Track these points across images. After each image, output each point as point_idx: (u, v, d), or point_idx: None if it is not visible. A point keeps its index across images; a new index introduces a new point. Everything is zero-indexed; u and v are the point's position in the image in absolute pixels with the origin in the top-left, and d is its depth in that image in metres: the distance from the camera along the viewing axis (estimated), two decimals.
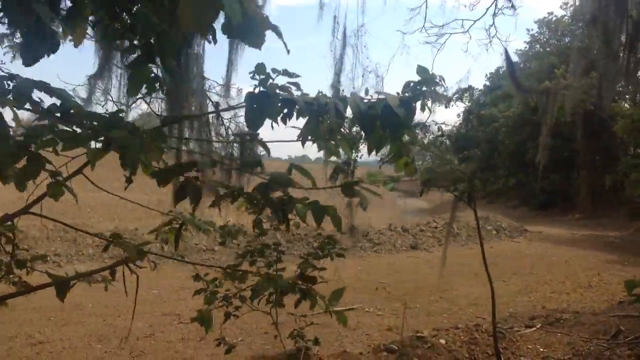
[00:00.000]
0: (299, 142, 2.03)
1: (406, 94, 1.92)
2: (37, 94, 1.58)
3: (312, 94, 1.89)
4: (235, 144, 3.74)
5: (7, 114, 1.57)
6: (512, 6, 9.04)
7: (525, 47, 38.75)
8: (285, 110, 1.77)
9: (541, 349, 5.53)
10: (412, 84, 1.92)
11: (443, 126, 39.02)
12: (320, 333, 7.44)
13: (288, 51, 1.53)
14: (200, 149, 3.57)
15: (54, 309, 7.99)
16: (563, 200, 29.29)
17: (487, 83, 41.96)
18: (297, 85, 1.83)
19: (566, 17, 32.81)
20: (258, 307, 3.61)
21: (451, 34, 9.13)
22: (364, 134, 1.85)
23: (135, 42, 1.75)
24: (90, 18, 1.88)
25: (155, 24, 1.55)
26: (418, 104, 1.90)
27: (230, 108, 3.07)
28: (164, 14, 1.56)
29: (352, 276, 11.36)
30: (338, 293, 2.87)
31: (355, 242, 12.74)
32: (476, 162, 37.67)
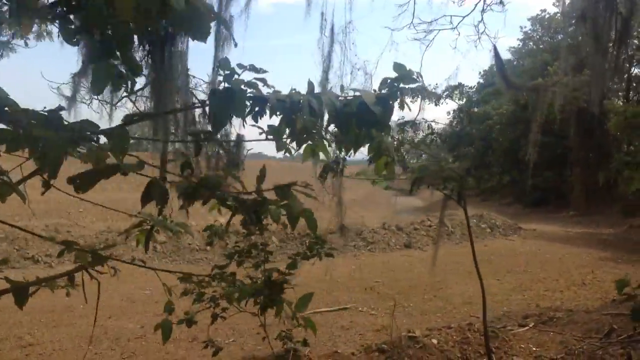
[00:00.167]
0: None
1: (383, 91, 1.86)
2: None
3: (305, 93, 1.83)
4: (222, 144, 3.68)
5: None
6: (501, 2, 9.01)
7: (519, 45, 38.94)
8: (257, 109, 1.71)
9: (534, 348, 5.50)
10: (389, 80, 1.86)
11: (433, 124, 39.08)
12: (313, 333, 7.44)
13: (235, 44, 1.48)
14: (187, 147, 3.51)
15: (44, 310, 7.93)
16: (557, 198, 29.35)
17: (481, 80, 42.04)
18: (264, 81, 1.77)
19: (559, 15, 32.88)
20: (246, 309, 3.56)
21: (440, 30, 9.07)
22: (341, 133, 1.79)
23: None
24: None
25: (110, 16, 1.48)
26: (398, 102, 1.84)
27: (191, 107, 2.98)
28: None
29: (346, 275, 11.33)
30: (306, 299, 2.80)
31: (345, 241, 12.69)
32: (470, 160, 37.76)
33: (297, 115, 1.70)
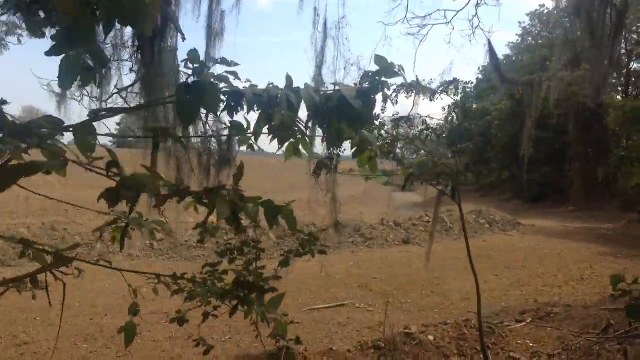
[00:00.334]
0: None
1: (365, 85, 1.81)
2: None
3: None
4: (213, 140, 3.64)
5: None
6: None
7: (517, 40, 38.93)
8: (233, 103, 1.66)
9: (531, 344, 5.48)
10: (370, 74, 1.82)
11: (428, 119, 39.03)
12: (311, 330, 7.40)
13: (184, 38, 1.43)
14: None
15: (39, 309, 7.89)
16: (556, 193, 29.35)
17: (480, 76, 42.01)
18: (235, 74, 1.72)
19: (561, 11, 32.86)
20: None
21: (433, 25, 9.01)
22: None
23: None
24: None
25: None
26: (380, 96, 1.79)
27: (160, 102, 2.91)
28: None
29: (344, 272, 11.30)
30: (276, 300, 2.74)
31: (340, 238, 12.67)
32: (469, 156, 37.74)
33: (275, 110, 1.66)
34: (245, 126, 1.86)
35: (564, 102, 23.18)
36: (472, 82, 44.62)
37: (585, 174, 27.06)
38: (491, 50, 5.11)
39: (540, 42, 34.74)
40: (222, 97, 1.73)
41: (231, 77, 1.71)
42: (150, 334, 7.03)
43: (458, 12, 8.35)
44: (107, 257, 11.41)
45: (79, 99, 4.21)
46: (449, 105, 45.25)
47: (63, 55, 1.44)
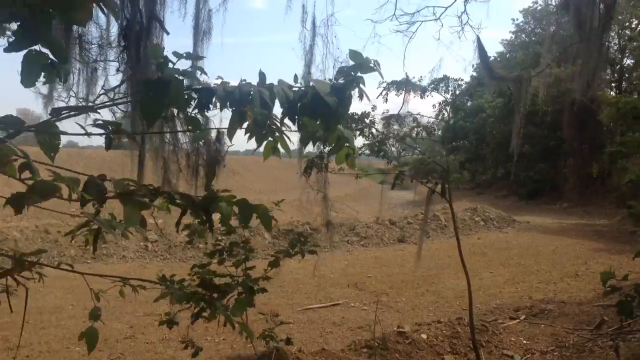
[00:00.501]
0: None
1: (340, 81, 1.78)
2: None
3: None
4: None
5: None
6: None
7: (511, 37, 38.98)
8: (205, 100, 1.63)
9: (524, 341, 5.47)
10: (345, 69, 1.79)
11: (418, 117, 39.02)
12: (305, 329, 7.38)
13: (167, 33, 1.40)
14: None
15: (32, 311, 7.84)
16: (551, 190, 29.40)
17: (474, 74, 42.02)
18: (201, 69, 1.70)
19: (551, 6, 32.94)
20: None
21: (422, 21, 8.93)
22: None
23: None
24: None
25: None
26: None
27: (121, 101, 2.87)
28: None
29: (339, 271, 11.28)
30: (242, 303, 2.71)
31: (332, 237, 12.64)
32: (464, 155, 37.79)
33: (248, 108, 1.63)
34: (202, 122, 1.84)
35: (558, 99, 23.24)
36: (462, 79, 44.85)
37: (580, 171, 27.11)
38: (480, 47, 5.09)
39: (533, 38, 34.80)
40: (194, 95, 1.70)
41: (197, 72, 1.68)
42: (143, 336, 7.00)
43: (447, 8, 8.30)
44: (100, 259, 11.33)
45: (66, 100, 4.17)
46: (440, 103, 45.38)
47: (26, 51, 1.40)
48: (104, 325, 7.38)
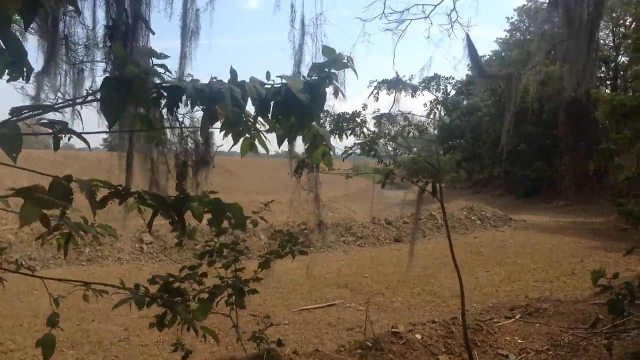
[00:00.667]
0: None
1: (313, 77, 1.75)
2: None
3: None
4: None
5: None
6: None
7: (506, 36, 39.05)
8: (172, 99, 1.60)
9: (519, 340, 5.45)
10: (319, 65, 1.76)
11: (409, 116, 39.07)
12: (301, 330, 7.35)
13: (153, 33, 1.37)
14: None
15: (26, 315, 7.81)
16: (547, 188, 29.42)
17: (469, 72, 42.05)
18: (164, 67, 1.67)
19: (542, 3, 33.03)
20: (217, 310, 3.46)
21: (412, 20, 8.90)
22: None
23: None
24: None
25: None
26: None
27: (83, 101, 2.82)
28: None
29: (335, 271, 11.25)
30: (204, 307, 2.67)
31: (325, 237, 12.61)
32: (459, 153, 37.79)
33: (220, 105, 1.60)
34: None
35: (553, 97, 23.26)
36: (453, 78, 44.97)
37: (576, 168, 27.15)
38: (470, 45, 5.07)
39: (528, 37, 34.82)
40: (164, 93, 1.67)
41: (161, 70, 1.65)
42: (138, 339, 6.96)
43: (436, 6, 8.27)
44: (95, 261, 11.24)
45: (54, 100, 4.12)
46: (431, 101, 45.48)
47: None
48: (98, 327, 7.38)
